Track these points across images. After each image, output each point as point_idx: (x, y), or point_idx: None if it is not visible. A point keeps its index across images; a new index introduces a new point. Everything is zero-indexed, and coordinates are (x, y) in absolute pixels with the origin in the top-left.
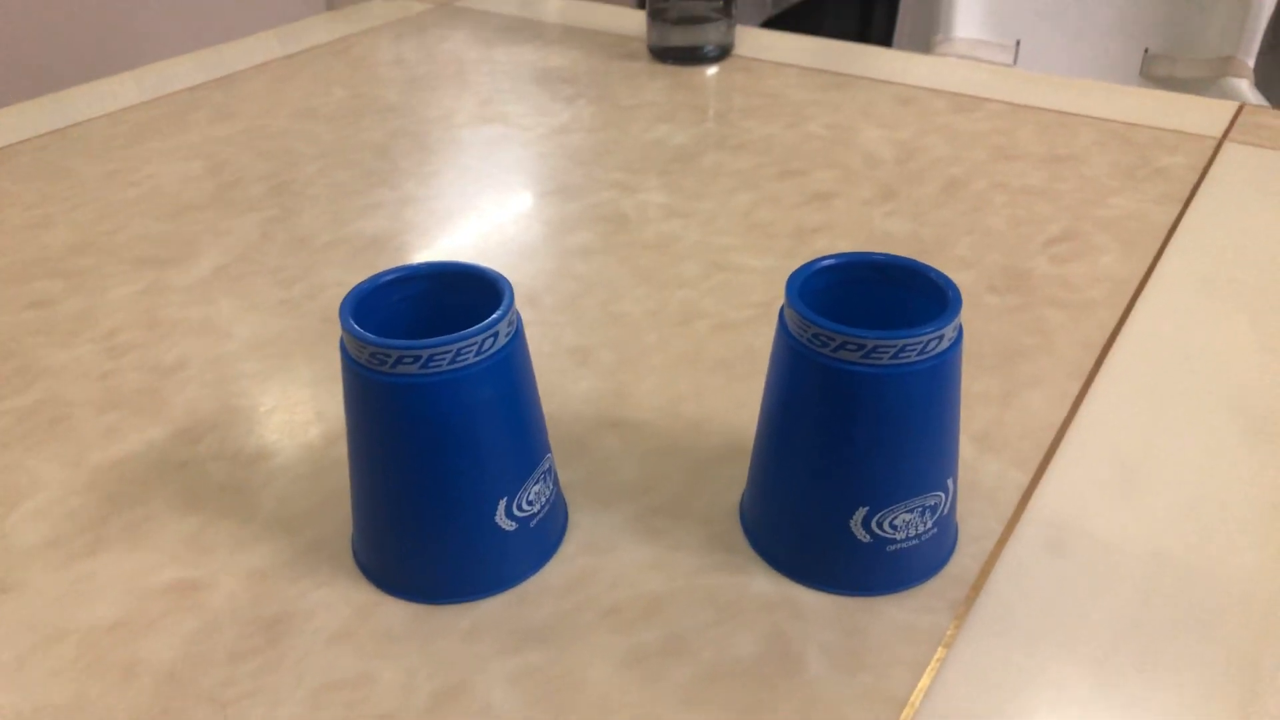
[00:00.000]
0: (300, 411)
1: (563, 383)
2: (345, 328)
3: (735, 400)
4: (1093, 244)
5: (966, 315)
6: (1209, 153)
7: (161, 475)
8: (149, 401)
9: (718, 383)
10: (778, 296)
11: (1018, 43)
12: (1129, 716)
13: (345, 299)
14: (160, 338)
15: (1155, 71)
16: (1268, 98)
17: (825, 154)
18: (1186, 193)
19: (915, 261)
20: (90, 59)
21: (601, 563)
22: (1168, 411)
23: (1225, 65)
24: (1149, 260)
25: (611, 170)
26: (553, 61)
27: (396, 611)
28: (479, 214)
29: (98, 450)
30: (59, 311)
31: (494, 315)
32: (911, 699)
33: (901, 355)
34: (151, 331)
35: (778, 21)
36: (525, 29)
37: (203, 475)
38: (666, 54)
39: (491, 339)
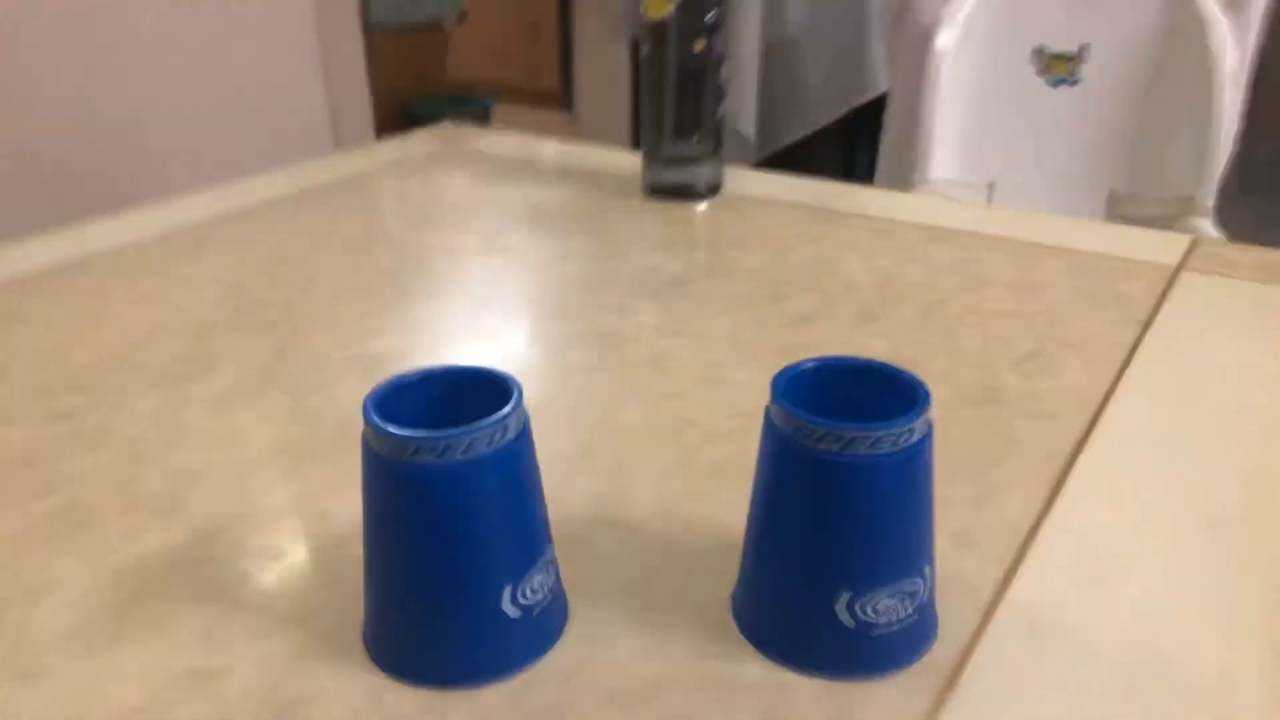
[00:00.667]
0: (313, 514)
1: (563, 485)
2: (368, 421)
3: (726, 502)
4: (1058, 362)
5: (943, 426)
6: (1166, 280)
7: (180, 573)
8: (169, 505)
9: (710, 486)
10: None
11: (990, 184)
12: None
13: (367, 397)
14: (180, 447)
15: (1120, 211)
16: (1232, 239)
17: (809, 280)
18: (1146, 315)
19: (887, 364)
20: (99, 191)
21: (601, 652)
22: (1133, 512)
23: (1187, 204)
24: (1112, 376)
25: (608, 295)
26: (553, 199)
27: (405, 698)
28: (483, 334)
29: (119, 550)
30: (84, 423)
31: (504, 410)
32: None
33: (877, 446)
34: (172, 441)
35: (765, 165)
36: (526, 170)
37: (219, 573)
38: (660, 191)
39: (501, 431)
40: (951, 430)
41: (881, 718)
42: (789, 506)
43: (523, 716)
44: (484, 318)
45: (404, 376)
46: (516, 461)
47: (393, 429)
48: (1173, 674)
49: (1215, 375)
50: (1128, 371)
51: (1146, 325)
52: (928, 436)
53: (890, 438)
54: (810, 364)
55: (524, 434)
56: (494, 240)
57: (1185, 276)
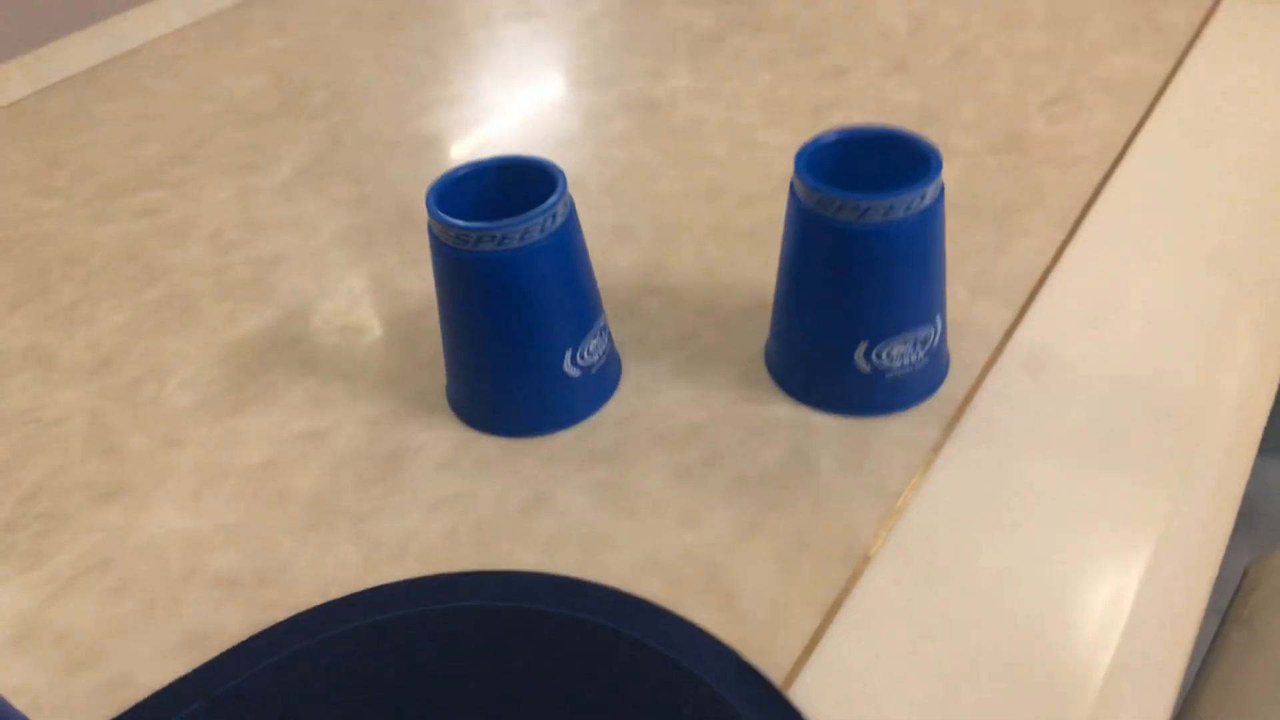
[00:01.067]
0: (388, 291)
1: (609, 256)
2: (433, 215)
3: (759, 263)
4: (1088, 102)
5: (969, 175)
6: (1209, 6)
7: (280, 349)
8: (258, 289)
9: (744, 249)
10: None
11: None
12: (1088, 501)
13: (429, 192)
14: (258, 235)
15: None
16: None
17: (841, 29)
18: (1184, 46)
19: (904, 132)
20: None
21: (651, 401)
22: (1141, 251)
23: None
24: (1139, 115)
25: (642, 57)
26: None
27: (488, 445)
28: (522, 108)
29: (223, 332)
30: (167, 218)
31: (551, 199)
32: (904, 491)
33: (891, 213)
34: (249, 230)
35: None
36: None
37: (314, 347)
38: None
39: (551, 219)
40: (976, 179)
41: (892, 445)
42: (812, 270)
43: (586, 455)
44: (521, 90)
45: (459, 169)
46: (566, 243)
47: (456, 221)
48: (1154, 399)
49: (1244, 110)
50: (1155, 110)
51: (1181, 59)
52: (938, 200)
53: (904, 204)
54: (831, 136)
55: (571, 218)
56: (524, 4)
57: (1227, 3)
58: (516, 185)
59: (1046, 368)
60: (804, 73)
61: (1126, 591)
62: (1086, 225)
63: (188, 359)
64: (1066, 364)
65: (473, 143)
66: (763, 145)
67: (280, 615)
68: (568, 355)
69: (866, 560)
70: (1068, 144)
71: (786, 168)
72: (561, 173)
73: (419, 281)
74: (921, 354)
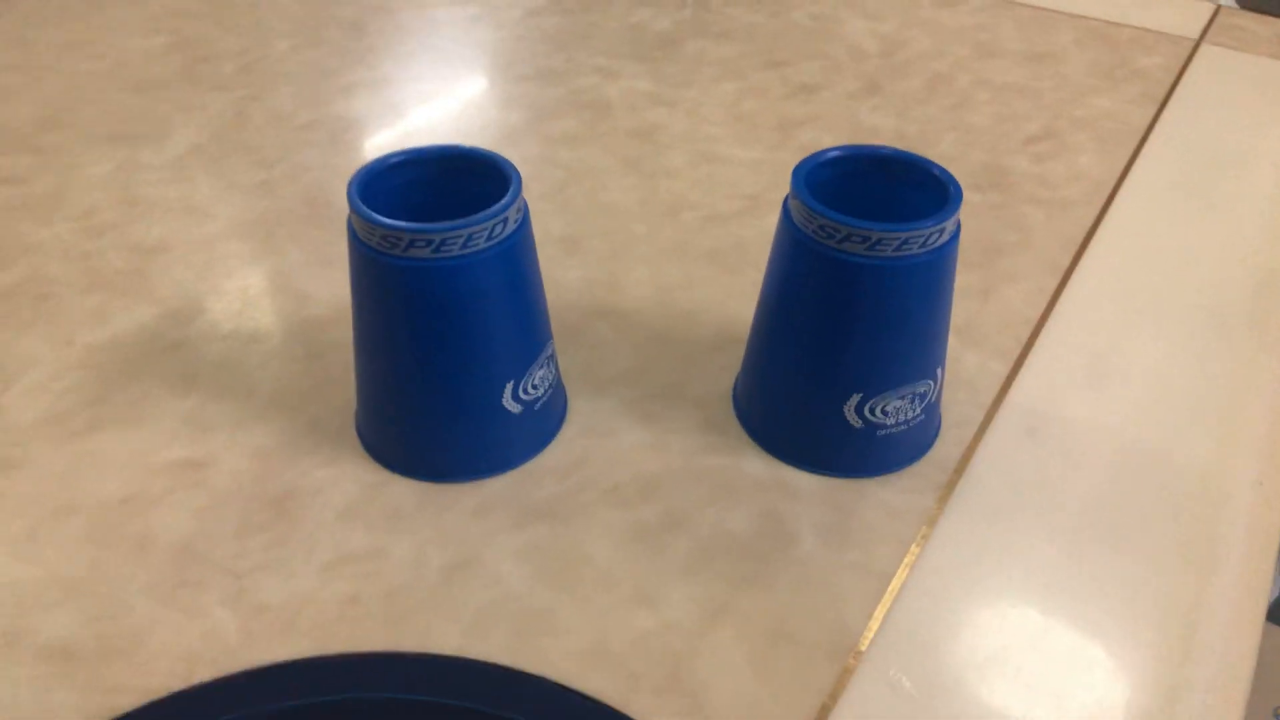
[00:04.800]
0: (291, 294)
1: (555, 271)
2: (355, 210)
3: (726, 291)
4: (1071, 143)
5: None
6: (1186, 54)
7: (155, 355)
8: (134, 282)
9: (708, 273)
10: (767, 189)
11: None
12: (1096, 586)
13: (352, 180)
14: (139, 217)
15: None
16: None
17: (809, 45)
18: (1163, 94)
19: (917, 156)
20: None
21: (600, 445)
22: (1139, 306)
23: None
24: (1125, 160)
25: (593, 55)
26: None
27: (405, 490)
28: (458, 98)
29: (87, 330)
30: (33, 189)
31: (504, 200)
32: (898, 572)
33: (904, 248)
34: (130, 210)
35: None
36: None
37: (196, 355)
38: None
39: (502, 224)
40: (960, 216)
41: (882, 514)
42: (804, 307)
43: (523, 509)
44: (458, 78)
45: (390, 156)
46: (517, 255)
47: (385, 220)
48: (1163, 471)
49: (1230, 160)
50: (1140, 156)
51: (1163, 105)
52: (955, 236)
53: (919, 238)
54: (834, 153)
55: (524, 225)
56: None
57: (1205, 50)
58: (455, 182)
59: (1045, 430)
60: (770, 86)
61: (1154, 691)
62: (1078, 274)
63: (38, 361)
64: (1066, 427)
65: (399, 131)
66: (727, 160)
67: (128, 703)
68: (509, 387)
69: (858, 655)
70: (1053, 185)
71: (754, 186)
72: (515, 171)
73: (328, 285)
74: (919, 410)
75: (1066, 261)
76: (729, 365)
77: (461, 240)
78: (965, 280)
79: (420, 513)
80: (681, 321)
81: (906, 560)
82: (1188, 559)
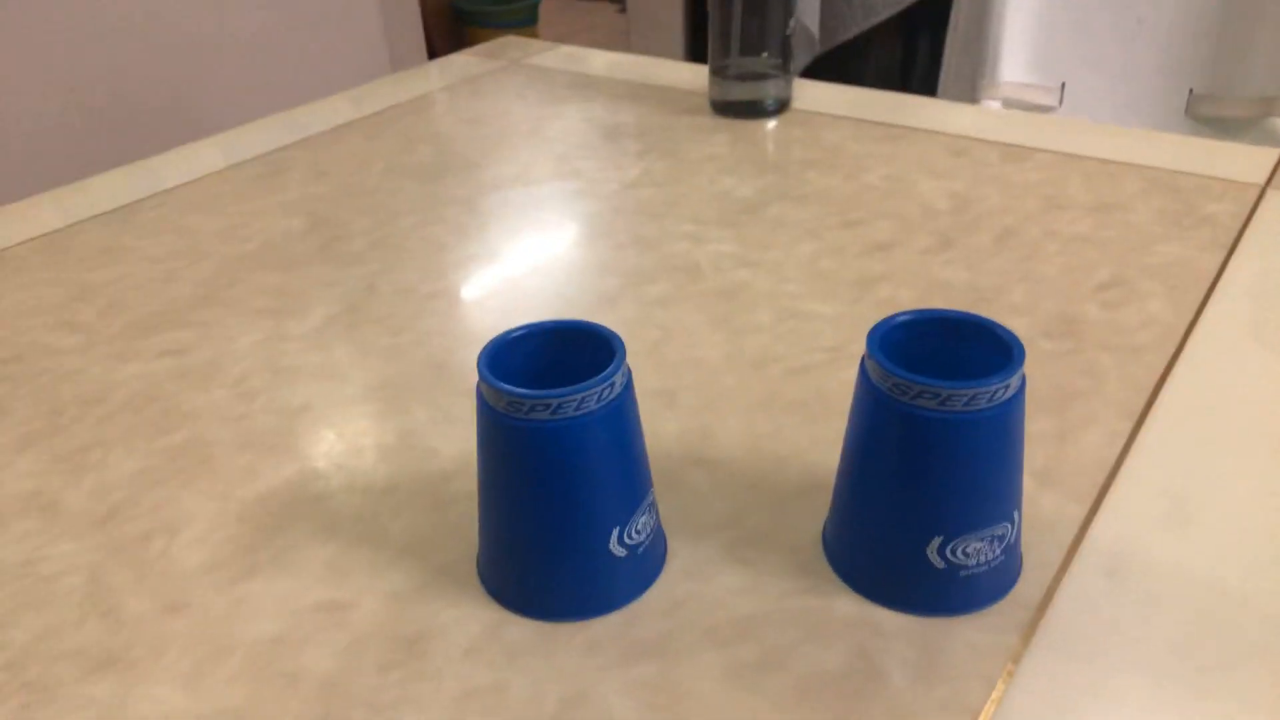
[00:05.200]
0: (419, 449)
1: (652, 423)
2: (484, 379)
3: (811, 438)
4: (1140, 290)
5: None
6: (1253, 200)
7: (300, 508)
8: (281, 441)
9: (794, 422)
10: (846, 341)
11: (1063, 85)
12: None
13: (482, 353)
14: (285, 382)
15: (1200, 111)
16: None
17: (883, 205)
18: (1231, 239)
19: (983, 318)
20: (151, 129)
21: (700, 587)
22: (1216, 450)
23: (1270, 105)
24: (1196, 305)
25: (682, 223)
26: (618, 118)
27: (522, 629)
28: (562, 267)
29: (241, 485)
30: (192, 359)
31: (610, 367)
32: (985, 707)
33: (973, 403)
34: (276, 376)
35: (825, 58)
36: (591, 85)
37: (336, 507)
38: (728, 108)
39: (610, 389)
40: (1032, 364)
41: (968, 652)
42: (884, 457)
43: (629, 647)
44: (562, 248)
45: (512, 331)
46: (622, 415)
47: (509, 388)
48: (1251, 615)
49: None
50: (1211, 300)
51: (1231, 250)
52: (1020, 391)
53: (986, 394)
54: (905, 316)
55: (628, 387)
56: (565, 164)
57: (1272, 195)
58: (567, 351)
59: (1125, 571)
60: (847, 245)
61: None
62: (1153, 417)
63: (201, 514)
64: (1146, 568)
65: (510, 299)
66: (808, 315)
67: None
68: (615, 533)
69: None
70: (1124, 331)
71: (834, 339)
72: (620, 341)
73: (451, 441)
74: (998, 551)
75: (1141, 405)
76: (817, 510)
77: (576, 403)
78: (1041, 426)
79: (536, 650)
80: (771, 468)
81: (994, 696)
82: (1275, 700)
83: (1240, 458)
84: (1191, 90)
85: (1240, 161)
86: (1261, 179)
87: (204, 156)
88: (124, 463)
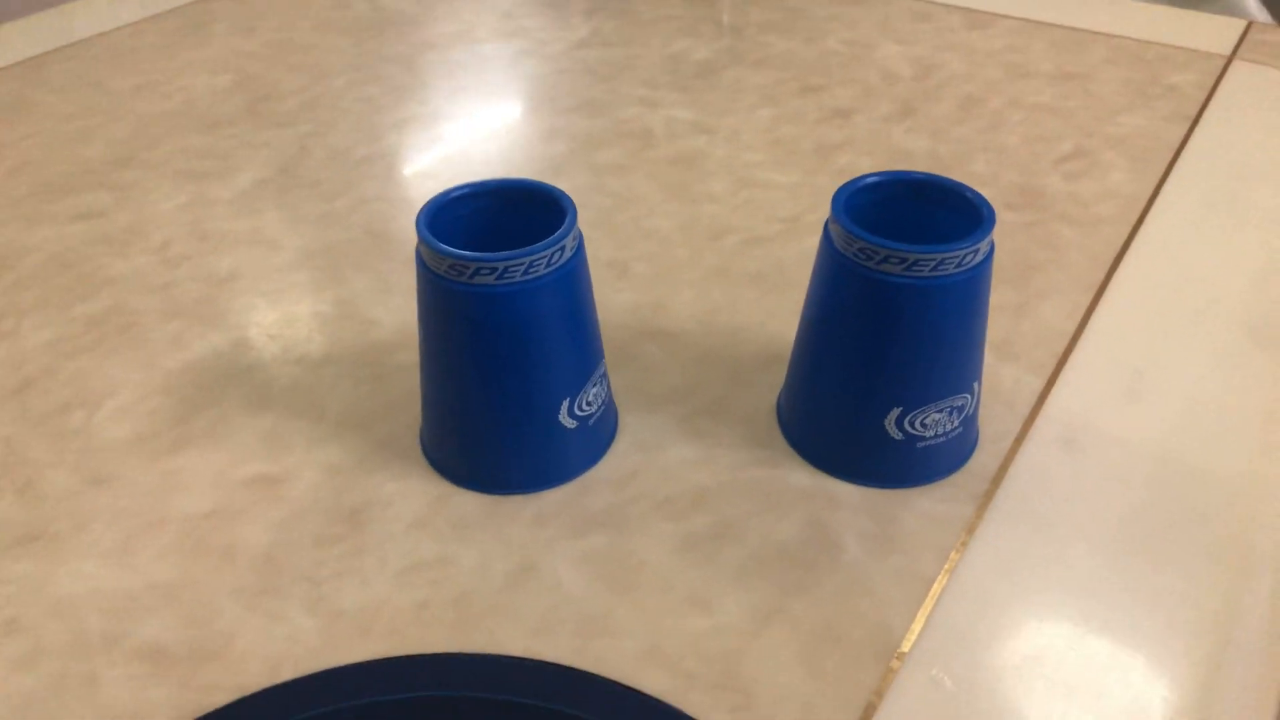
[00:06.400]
0: (357, 319)
1: (604, 294)
2: (424, 240)
3: (767, 311)
4: (1102, 161)
5: None
6: (1217, 71)
7: (231, 378)
8: (209, 310)
9: (750, 295)
10: (804, 211)
11: None
12: (1133, 595)
13: (421, 212)
14: (212, 249)
15: None
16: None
17: (844, 70)
18: (1195, 111)
19: (951, 180)
20: None
21: (651, 459)
22: (1174, 322)
23: None
24: (1157, 178)
25: (635, 86)
26: None
27: (468, 501)
28: (507, 130)
29: (167, 355)
30: (111, 223)
31: (560, 230)
32: (939, 577)
33: (940, 268)
34: (203, 243)
35: None
36: None
37: (270, 378)
38: None
39: (559, 252)
40: (995, 234)
41: (923, 522)
42: (846, 325)
43: (580, 519)
44: (508, 112)
45: (453, 190)
46: (573, 281)
47: (452, 250)
48: (1203, 483)
49: (1263, 176)
50: (1173, 172)
51: (1195, 122)
52: (989, 257)
53: (954, 259)
54: (871, 179)
55: (579, 253)
56: (509, 21)
57: (1237, 67)
58: (514, 212)
59: (1081, 443)
60: (806, 112)
61: (1189, 694)
62: (1112, 290)
63: (124, 385)
64: (1103, 440)
65: (452, 164)
66: (766, 184)
67: (219, 700)
68: (565, 404)
69: (901, 656)
70: (1085, 203)
71: (793, 209)
72: (571, 201)
73: (391, 311)
74: (957, 422)
75: (1100, 278)
76: (773, 382)
77: (523, 267)
78: (1001, 297)
79: (484, 523)
80: (726, 341)
81: (947, 566)
82: (1222, 569)
83: (1196, 331)
84: None
85: (1206, 32)
86: (1227, 49)
87: (120, 5)
88: (39, 331)
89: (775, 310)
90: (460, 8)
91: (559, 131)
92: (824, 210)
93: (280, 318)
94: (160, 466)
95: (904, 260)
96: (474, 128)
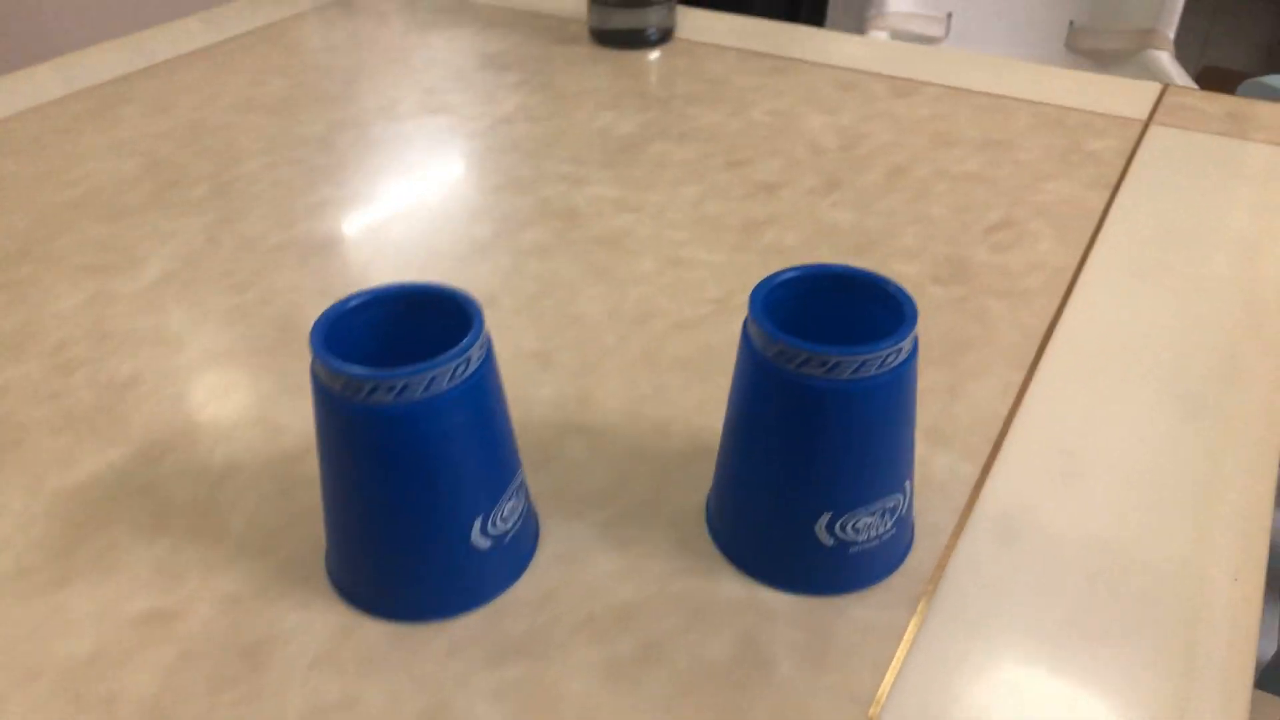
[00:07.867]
0: (263, 426)
1: (527, 389)
2: (318, 356)
3: (696, 400)
4: (1030, 231)
5: None
6: (1135, 136)
7: (124, 499)
8: (105, 420)
9: (678, 382)
10: (732, 292)
11: (949, 15)
12: (1080, 690)
13: (314, 326)
14: (111, 351)
15: (1080, 44)
16: (1184, 63)
17: (770, 142)
18: (1115, 177)
19: (872, 274)
20: None
21: (573, 574)
22: (1105, 396)
23: (1147, 37)
24: (1083, 247)
25: (560, 163)
26: (493, 46)
27: (376, 631)
28: (429, 212)
29: (55, 474)
30: (2, 324)
31: (465, 341)
32: (878, 696)
33: (862, 370)
34: (102, 344)
35: None
36: (462, 10)
37: (167, 497)
38: (608, 37)
39: (464, 365)
40: (923, 311)
41: (858, 633)
42: (767, 429)
43: (496, 647)
44: (429, 191)
45: (351, 299)
46: (481, 393)
47: (345, 366)
48: (1140, 570)
49: (1185, 240)
50: (1097, 241)
51: (1116, 188)
52: (913, 354)
53: (877, 359)
54: (789, 274)
55: (487, 361)
56: (433, 97)
57: (1155, 131)
58: (418, 319)
59: (1019, 533)
60: (732, 187)
61: None
62: (1043, 367)
63: (4, 512)
64: (1041, 529)
65: (369, 249)
66: (692, 263)
67: None
68: (478, 524)
69: None
70: (1014, 275)
71: (719, 290)
72: (478, 307)
73: (299, 416)
74: (889, 524)
75: (1031, 355)
76: (702, 476)
77: (425, 383)
78: (931, 378)
79: (392, 656)
80: (653, 434)
81: (886, 679)
82: (1171, 657)
83: (1127, 406)
84: (1072, 22)
85: (1123, 96)
86: (1144, 114)
87: (29, 86)
88: None
89: (705, 398)
90: (382, 84)
91: (484, 212)
92: (750, 290)
93: (181, 427)
94: (39, 605)
95: (825, 363)
96: (394, 210)
